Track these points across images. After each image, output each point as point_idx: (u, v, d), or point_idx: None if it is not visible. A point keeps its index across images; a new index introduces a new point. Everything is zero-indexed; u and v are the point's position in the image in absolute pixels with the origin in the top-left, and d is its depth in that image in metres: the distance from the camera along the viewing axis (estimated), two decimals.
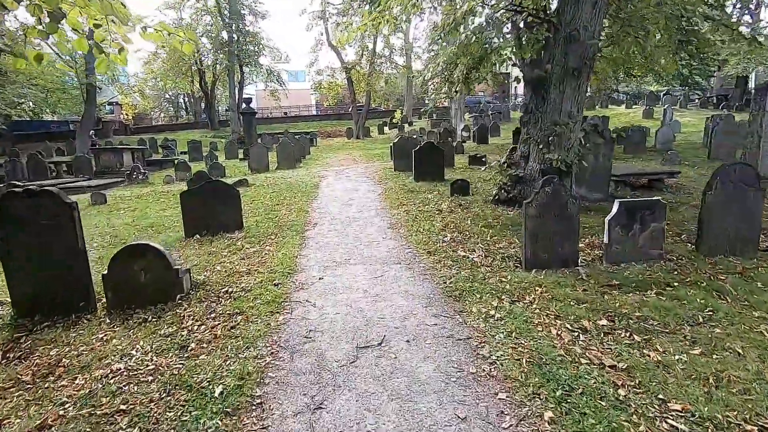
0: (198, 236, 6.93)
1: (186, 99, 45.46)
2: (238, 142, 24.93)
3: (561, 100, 7.02)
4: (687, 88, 23.90)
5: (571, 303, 3.93)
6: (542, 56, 7.24)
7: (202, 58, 33.18)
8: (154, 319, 4.02)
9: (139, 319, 4.04)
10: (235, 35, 31.35)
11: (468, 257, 5.22)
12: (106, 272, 4.34)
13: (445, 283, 4.47)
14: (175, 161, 16.78)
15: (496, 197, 7.68)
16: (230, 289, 4.56)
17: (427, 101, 39.61)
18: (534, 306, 3.89)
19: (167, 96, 45.64)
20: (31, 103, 31.89)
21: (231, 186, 7.09)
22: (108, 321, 4.11)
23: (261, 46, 33.42)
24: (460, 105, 29.19)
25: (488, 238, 6.00)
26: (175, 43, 4.19)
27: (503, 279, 4.52)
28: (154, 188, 13.94)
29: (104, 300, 4.34)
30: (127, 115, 38.01)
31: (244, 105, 20.96)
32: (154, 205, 10.71)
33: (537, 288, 4.27)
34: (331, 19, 26.30)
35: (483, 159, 13.15)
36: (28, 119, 37.72)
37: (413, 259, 5.28)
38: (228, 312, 3.99)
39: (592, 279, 4.49)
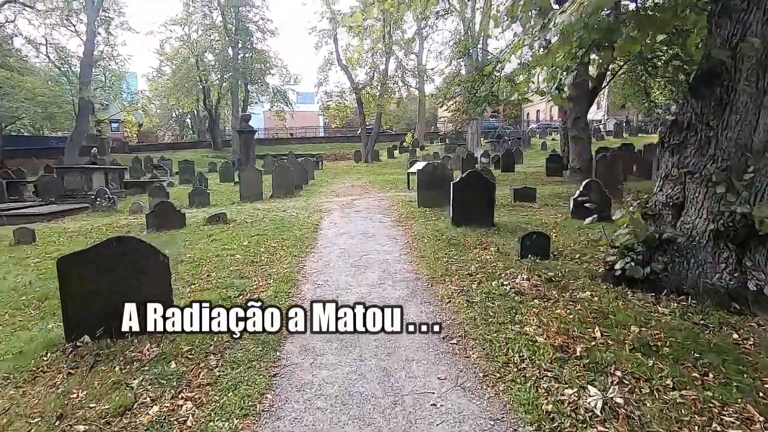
0: (88, 340, 3.55)
1: (191, 118, 42.72)
2: (237, 164, 21.79)
3: (758, 107, 3.67)
4: None
5: None
6: (714, 30, 3.92)
7: (207, 75, 30.43)
8: None
9: None
10: (240, 52, 28.59)
11: None
12: None
13: None
14: (154, 185, 13.48)
15: (621, 274, 4.21)
16: None
17: (441, 125, 36.58)
18: None
19: (174, 115, 42.96)
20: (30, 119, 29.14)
21: (154, 249, 3.70)
22: None
23: (268, 64, 30.62)
24: (477, 129, 26.14)
25: (677, 397, 2.55)
26: None
27: None
28: (115, 219, 10.61)
29: None
30: (129, 132, 35.16)
31: (242, 123, 17.82)
32: None
33: None
34: (342, 21, 23.44)
35: (533, 194, 9.79)
36: (28, 135, 35.05)
37: None
38: None
39: None
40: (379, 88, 27.04)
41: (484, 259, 5.44)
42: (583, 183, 7.38)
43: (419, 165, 10.48)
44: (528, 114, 42.02)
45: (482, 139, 27.05)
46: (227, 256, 6.05)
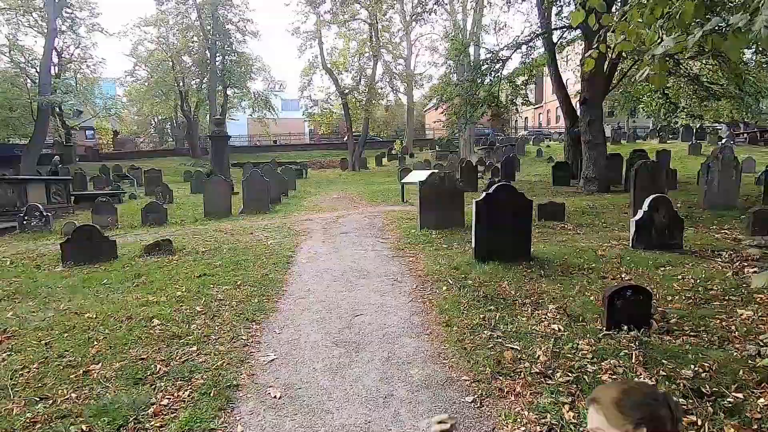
0: None
1: (170, 124, 39.87)
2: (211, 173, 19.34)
3: None
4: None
5: None
6: None
7: (185, 78, 27.88)
8: None
9: None
10: (219, 54, 26.18)
11: None
12: None
13: None
14: (100, 199, 11.00)
15: None
16: None
17: (431, 131, 34.59)
18: None
19: (153, 122, 40.07)
20: None
21: None
22: None
23: (249, 67, 28.23)
24: (470, 136, 24.25)
25: None
26: None
27: None
28: (38, 245, 8.17)
29: None
30: (101, 139, 32.25)
31: (214, 127, 15.45)
32: None
33: None
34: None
35: (561, 211, 7.76)
36: None
37: None
38: None
39: None
40: (366, 92, 25.00)
41: (547, 329, 3.30)
42: (648, 200, 5.33)
43: (419, 175, 8.37)
44: (516, 121, 40.48)
45: (474, 146, 25.16)
46: (143, 320, 3.77)
